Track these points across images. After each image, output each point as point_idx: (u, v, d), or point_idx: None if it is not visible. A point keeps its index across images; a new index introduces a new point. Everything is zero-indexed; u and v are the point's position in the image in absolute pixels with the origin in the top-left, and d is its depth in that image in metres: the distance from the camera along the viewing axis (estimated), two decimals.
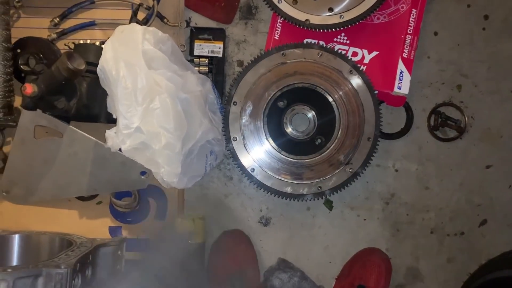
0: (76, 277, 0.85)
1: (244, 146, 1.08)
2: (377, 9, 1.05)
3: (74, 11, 1.12)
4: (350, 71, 1.06)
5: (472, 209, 1.20)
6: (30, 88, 0.85)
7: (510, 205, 1.19)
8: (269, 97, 1.08)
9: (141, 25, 1.02)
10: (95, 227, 1.12)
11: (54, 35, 1.11)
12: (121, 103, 0.88)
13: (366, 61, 1.12)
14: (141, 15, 1.10)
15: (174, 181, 0.95)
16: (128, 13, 1.09)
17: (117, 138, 0.90)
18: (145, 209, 1.12)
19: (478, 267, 1.04)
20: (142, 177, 1.00)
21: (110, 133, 0.93)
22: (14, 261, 1.02)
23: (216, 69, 1.15)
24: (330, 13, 1.05)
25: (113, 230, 1.12)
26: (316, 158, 1.07)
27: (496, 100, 1.19)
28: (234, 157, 1.08)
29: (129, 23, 1.04)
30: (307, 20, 1.06)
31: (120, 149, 0.92)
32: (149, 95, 0.88)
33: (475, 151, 1.19)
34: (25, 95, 0.90)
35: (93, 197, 1.11)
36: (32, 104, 0.94)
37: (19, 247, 1.02)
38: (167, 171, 0.93)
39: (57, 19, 1.11)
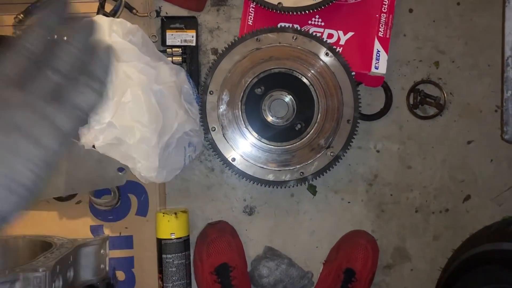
0: (56, 279, 0.83)
1: (224, 136, 1.06)
2: None
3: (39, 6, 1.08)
4: (326, 53, 1.04)
5: (456, 186, 1.20)
6: None
7: (492, 179, 1.19)
8: (246, 84, 1.06)
9: (108, 17, 0.99)
10: (76, 227, 1.09)
11: (20, 33, 1.07)
12: None
13: (342, 42, 1.11)
14: (108, 7, 1.07)
15: (153, 176, 0.93)
16: (95, 6, 1.05)
17: (89, 135, 0.88)
18: (126, 205, 1.10)
19: (461, 243, 1.04)
20: (120, 173, 0.98)
21: (83, 130, 0.90)
22: None
23: (190, 59, 1.13)
24: None
25: (94, 229, 1.10)
26: (297, 143, 1.06)
27: (474, 75, 1.18)
28: (214, 148, 1.06)
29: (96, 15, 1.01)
30: (279, 3, 1.03)
31: (94, 146, 0.90)
32: (120, 88, 0.86)
33: (455, 127, 1.19)
34: None
35: (71, 196, 1.08)
36: None
37: None
38: (144, 165, 0.91)
39: (21, 15, 1.07)
